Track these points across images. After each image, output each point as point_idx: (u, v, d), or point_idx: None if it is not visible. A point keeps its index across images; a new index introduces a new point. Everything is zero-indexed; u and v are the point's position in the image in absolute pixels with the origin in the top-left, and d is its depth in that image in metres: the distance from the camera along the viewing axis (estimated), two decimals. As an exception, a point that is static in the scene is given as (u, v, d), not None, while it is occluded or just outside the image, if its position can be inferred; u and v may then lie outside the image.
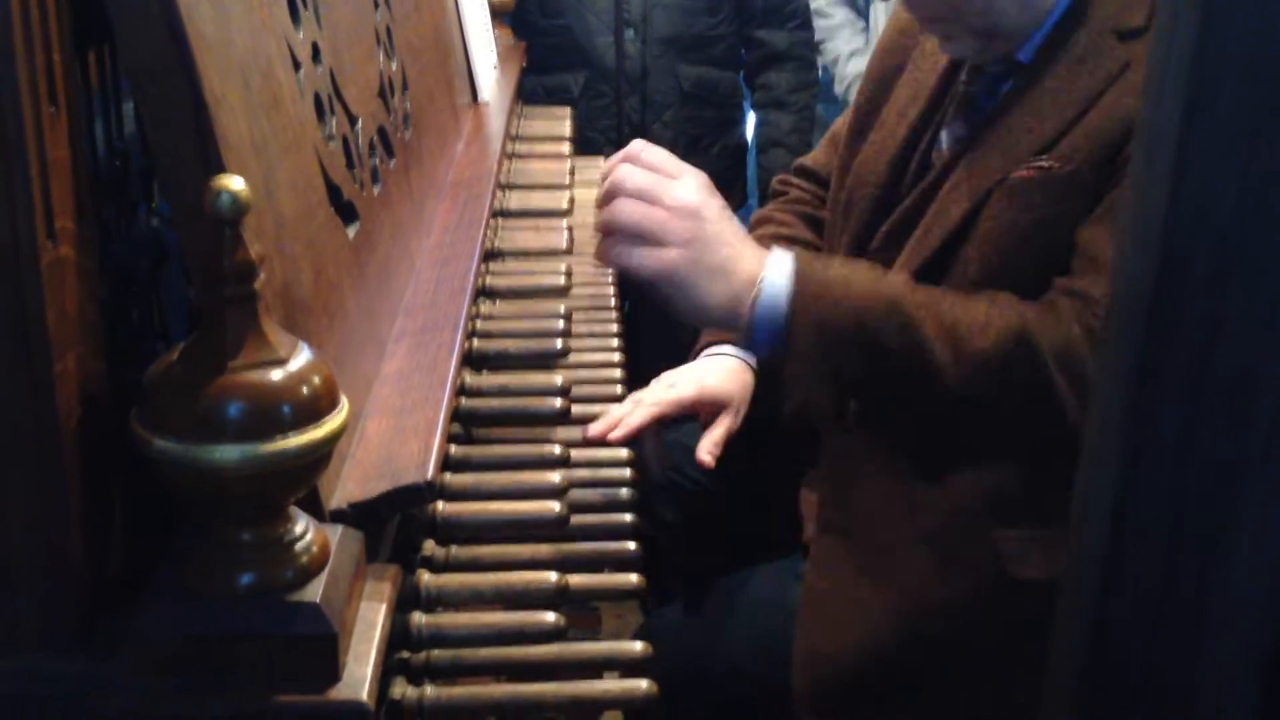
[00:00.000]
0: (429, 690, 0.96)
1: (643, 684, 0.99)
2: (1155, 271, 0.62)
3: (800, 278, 1.13)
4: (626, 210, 1.09)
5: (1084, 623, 0.58)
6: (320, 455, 0.75)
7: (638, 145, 1.14)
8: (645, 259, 1.09)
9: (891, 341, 1.14)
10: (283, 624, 0.75)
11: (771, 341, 1.14)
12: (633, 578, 1.12)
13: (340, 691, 0.75)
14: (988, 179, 1.23)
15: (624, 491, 1.19)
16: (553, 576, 0.98)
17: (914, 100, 1.37)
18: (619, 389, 1.37)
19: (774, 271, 1.13)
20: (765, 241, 1.46)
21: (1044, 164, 1.21)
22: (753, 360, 1.49)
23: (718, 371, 1.46)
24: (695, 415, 1.44)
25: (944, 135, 1.34)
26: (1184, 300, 0.62)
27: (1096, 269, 1.19)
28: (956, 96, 1.33)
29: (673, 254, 1.09)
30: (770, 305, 1.12)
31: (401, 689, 0.97)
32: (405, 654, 0.98)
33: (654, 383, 1.45)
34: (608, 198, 1.11)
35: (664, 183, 1.10)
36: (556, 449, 1.13)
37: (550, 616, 0.95)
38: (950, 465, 1.28)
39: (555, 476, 1.09)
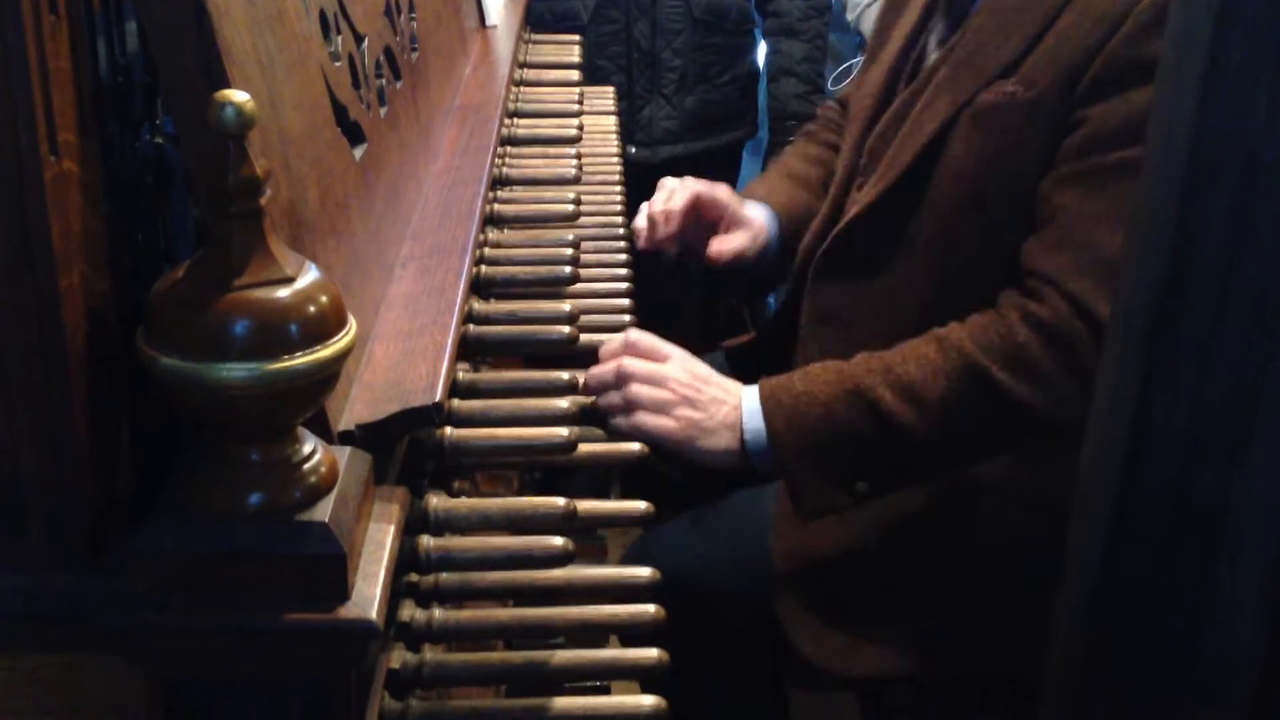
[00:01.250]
0: (437, 613, 0.97)
1: (650, 609, 0.99)
2: (1181, 184, 0.60)
3: (768, 413, 1.30)
4: (645, 394, 1.29)
5: (1098, 534, 0.58)
6: (328, 375, 0.75)
7: (634, 335, 1.32)
8: (660, 427, 1.29)
9: (864, 426, 1.28)
10: (291, 543, 0.74)
11: (774, 469, 1.32)
12: (640, 505, 1.12)
13: (349, 610, 0.75)
14: (957, 97, 1.32)
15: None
16: (561, 501, 0.98)
17: (911, 11, 1.46)
18: (627, 318, 1.36)
19: (750, 418, 1.31)
20: (770, 184, 1.67)
21: (1009, 89, 1.29)
22: (773, 223, 1.64)
23: (747, 205, 1.63)
24: (717, 218, 1.61)
25: (931, 39, 1.42)
26: (1210, 213, 0.61)
27: (1062, 245, 1.25)
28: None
29: (677, 423, 1.30)
30: (757, 444, 1.30)
31: (410, 611, 0.97)
32: (414, 577, 0.98)
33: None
34: (620, 381, 1.29)
35: (663, 368, 1.31)
36: (565, 375, 1.12)
37: (558, 540, 0.95)
38: None
39: (564, 402, 1.09)
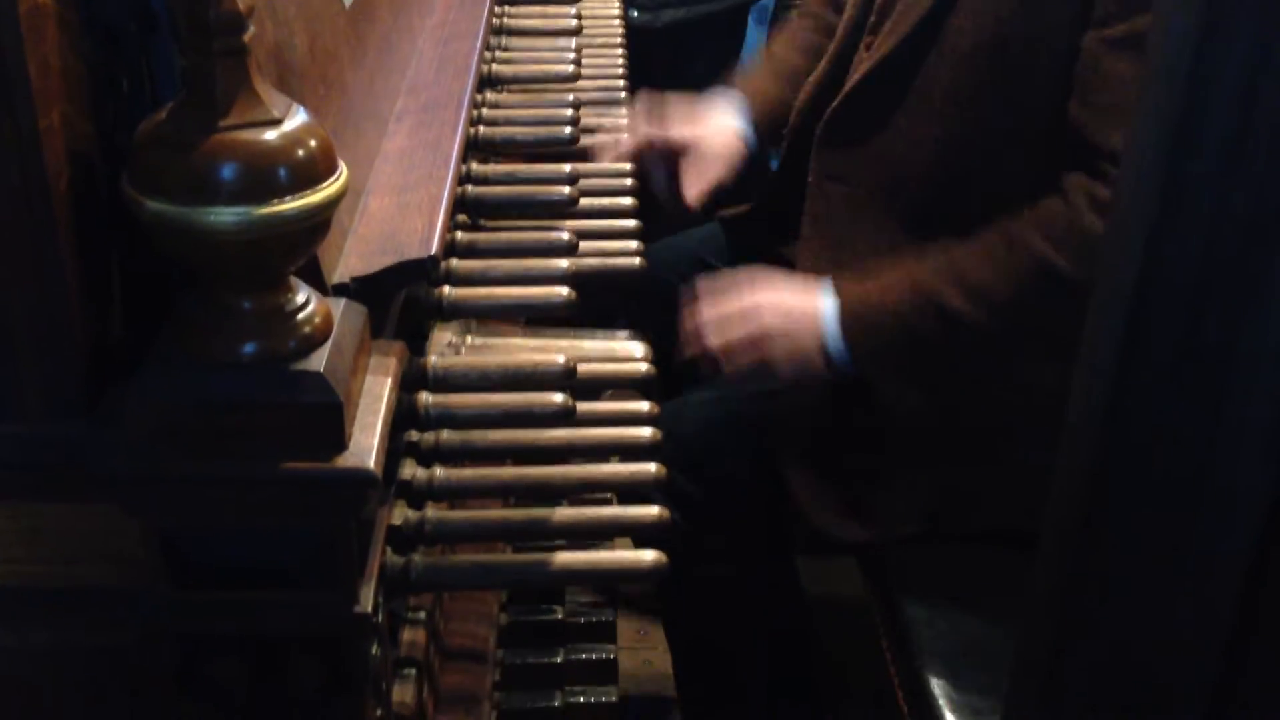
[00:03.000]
0: (439, 472, 0.97)
1: (651, 467, 0.99)
2: (1200, 16, 0.58)
3: (846, 326, 1.32)
4: (734, 351, 1.33)
5: (1104, 383, 0.57)
6: (318, 222, 0.73)
7: (703, 290, 1.35)
8: (749, 361, 1.33)
9: (931, 329, 1.29)
10: (287, 392, 0.74)
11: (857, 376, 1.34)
12: (642, 366, 1.12)
13: (347, 460, 0.75)
14: None
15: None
16: (560, 359, 0.97)
17: None
18: (628, 181, 1.34)
19: (829, 327, 1.32)
20: (756, 84, 1.63)
21: None
22: (750, 136, 1.60)
23: (716, 136, 1.57)
24: (679, 154, 1.55)
25: None
26: (1228, 50, 0.59)
27: (1120, 115, 1.19)
28: None
29: (766, 353, 1.33)
30: (841, 356, 1.33)
31: (412, 470, 0.97)
32: (414, 436, 0.98)
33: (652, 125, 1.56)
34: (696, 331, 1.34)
35: (733, 305, 1.33)
36: (565, 235, 1.11)
37: (558, 397, 0.95)
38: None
39: (564, 262, 1.07)
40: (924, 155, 1.35)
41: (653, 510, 0.98)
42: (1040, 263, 1.25)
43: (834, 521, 1.39)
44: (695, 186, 1.53)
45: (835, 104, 1.43)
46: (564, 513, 0.97)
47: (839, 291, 1.34)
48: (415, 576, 0.92)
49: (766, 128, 1.61)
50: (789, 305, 1.34)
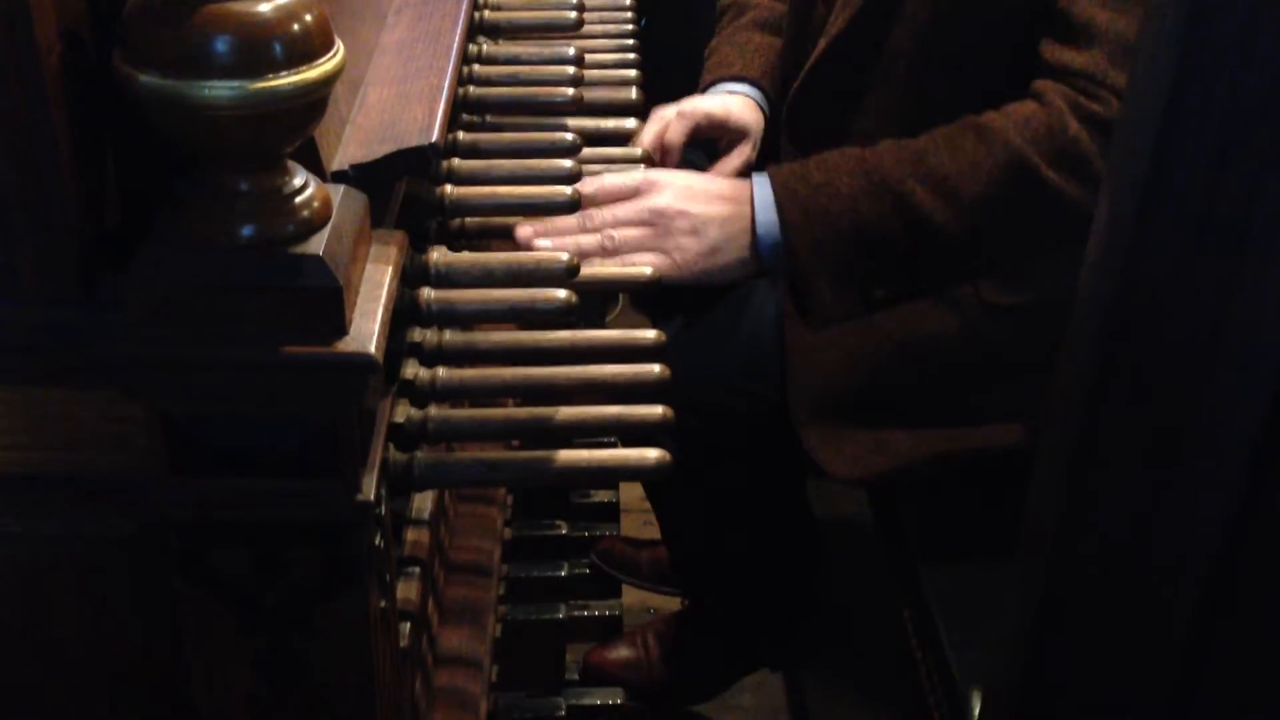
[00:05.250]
0: (441, 372, 0.96)
1: (655, 368, 0.98)
2: None
3: (783, 207, 1.18)
4: (631, 238, 1.17)
5: (1120, 245, 0.56)
6: (314, 99, 0.71)
7: (606, 181, 1.19)
8: (661, 269, 1.15)
9: (891, 225, 1.17)
10: (285, 275, 0.73)
11: (787, 267, 1.20)
12: (646, 270, 1.11)
13: (347, 344, 0.74)
14: None
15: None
16: (564, 256, 0.96)
17: None
18: (634, 93, 1.32)
19: (763, 210, 1.19)
20: (741, 52, 1.53)
21: None
22: (763, 101, 1.51)
23: (738, 103, 1.48)
24: (717, 137, 1.47)
25: None
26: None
27: (1090, 39, 1.14)
28: None
29: (674, 259, 1.19)
30: (770, 239, 1.19)
31: (414, 370, 0.96)
32: (417, 336, 0.97)
33: (674, 105, 1.46)
34: (603, 232, 1.16)
35: (649, 202, 1.17)
36: (569, 135, 1.09)
37: (562, 293, 0.94)
38: None
39: (567, 162, 1.06)
40: (893, 130, 1.27)
41: (657, 409, 0.97)
42: (1019, 160, 1.15)
43: (840, 463, 1.37)
44: (737, 159, 1.47)
45: (796, 85, 1.38)
46: (568, 411, 0.97)
47: (772, 174, 1.22)
48: (419, 473, 0.92)
49: (772, 87, 1.53)
50: (704, 185, 1.22)
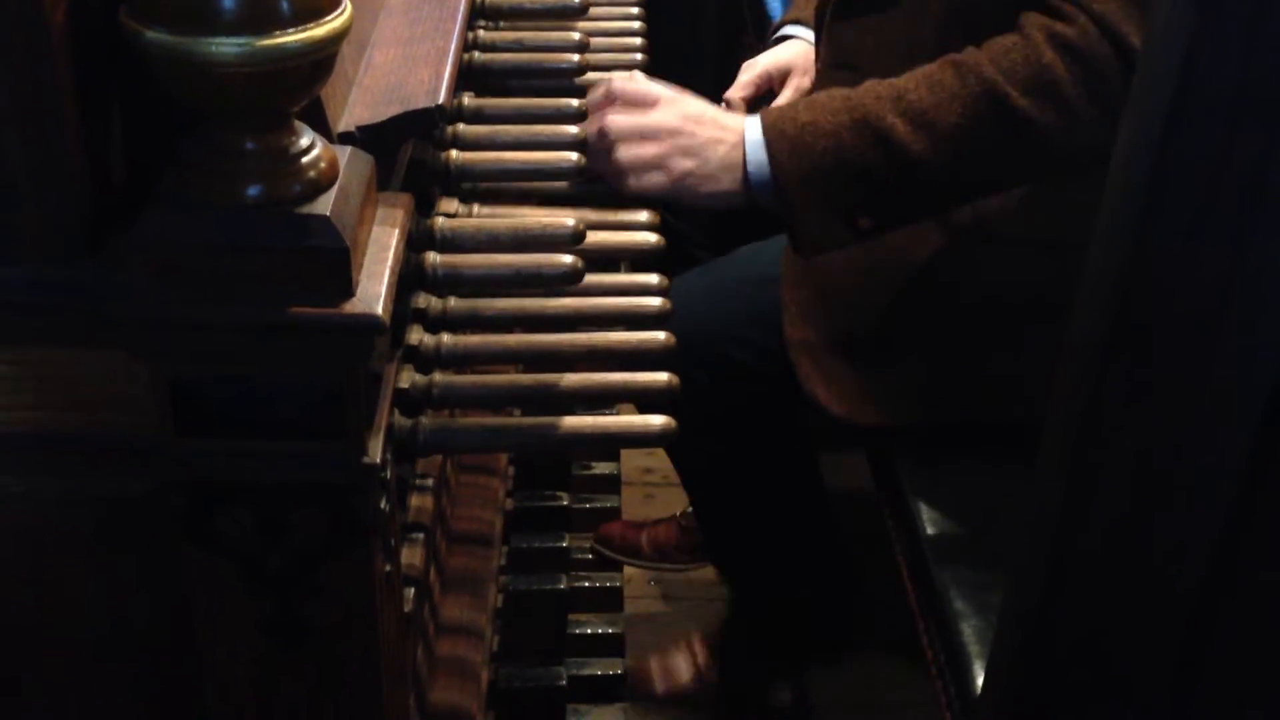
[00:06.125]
0: (446, 338, 0.96)
1: (660, 335, 0.98)
2: None
3: (771, 145, 1.24)
4: (629, 155, 1.21)
5: (1135, 200, 0.55)
6: (322, 57, 0.71)
7: (616, 83, 1.24)
8: (653, 185, 1.23)
9: (872, 158, 1.22)
10: (292, 235, 0.72)
11: (776, 203, 1.26)
12: (652, 238, 1.10)
13: (354, 306, 0.74)
14: None
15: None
16: (570, 221, 0.96)
17: None
18: (639, 57, 1.31)
19: (753, 149, 1.25)
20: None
21: None
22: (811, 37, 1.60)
23: (784, 49, 1.61)
24: (773, 87, 1.59)
25: None
26: None
27: None
28: None
29: (670, 177, 1.23)
30: (760, 177, 1.25)
31: (419, 335, 0.96)
32: (422, 303, 0.97)
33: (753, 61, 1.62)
34: (603, 141, 1.20)
35: (648, 119, 1.23)
36: (575, 102, 1.08)
37: (567, 258, 0.93)
38: None
39: (573, 129, 1.05)
40: (930, 34, 1.30)
41: (662, 376, 0.97)
42: (990, 90, 1.19)
43: (841, 401, 1.39)
44: (789, 94, 1.57)
45: (828, 9, 1.41)
46: (572, 378, 0.96)
47: (763, 115, 1.28)
48: (423, 438, 0.92)
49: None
50: (709, 118, 1.27)
